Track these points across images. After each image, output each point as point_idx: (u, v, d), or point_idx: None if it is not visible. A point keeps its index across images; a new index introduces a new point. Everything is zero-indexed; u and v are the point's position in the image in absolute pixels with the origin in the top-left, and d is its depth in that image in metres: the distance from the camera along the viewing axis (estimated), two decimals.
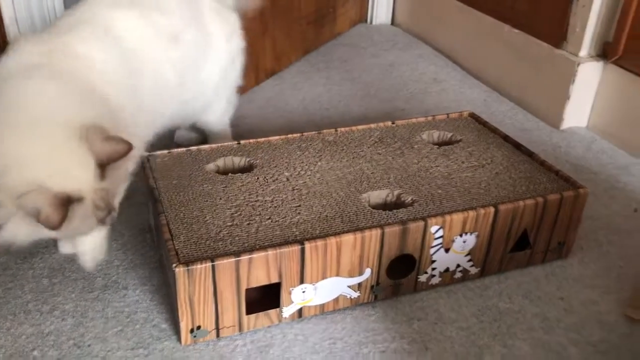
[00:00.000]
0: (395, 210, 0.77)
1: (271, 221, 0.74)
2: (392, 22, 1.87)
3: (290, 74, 1.50)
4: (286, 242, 0.70)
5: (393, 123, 1.01)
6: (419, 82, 1.48)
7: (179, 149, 0.89)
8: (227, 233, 0.72)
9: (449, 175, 0.86)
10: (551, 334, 0.76)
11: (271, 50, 1.43)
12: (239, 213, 0.76)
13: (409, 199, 0.80)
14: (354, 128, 0.98)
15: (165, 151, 0.89)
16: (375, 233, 0.72)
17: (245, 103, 1.33)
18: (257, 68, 1.39)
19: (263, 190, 0.80)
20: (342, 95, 1.39)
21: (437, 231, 0.76)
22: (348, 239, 0.71)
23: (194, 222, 0.74)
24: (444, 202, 0.80)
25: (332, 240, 0.70)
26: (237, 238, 0.71)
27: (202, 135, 1.12)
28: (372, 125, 0.99)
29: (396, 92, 1.42)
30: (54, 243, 0.87)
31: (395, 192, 0.82)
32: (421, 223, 0.74)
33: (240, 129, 1.21)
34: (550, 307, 0.80)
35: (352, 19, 1.81)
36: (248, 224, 0.74)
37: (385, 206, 0.82)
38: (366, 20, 1.86)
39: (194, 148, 0.90)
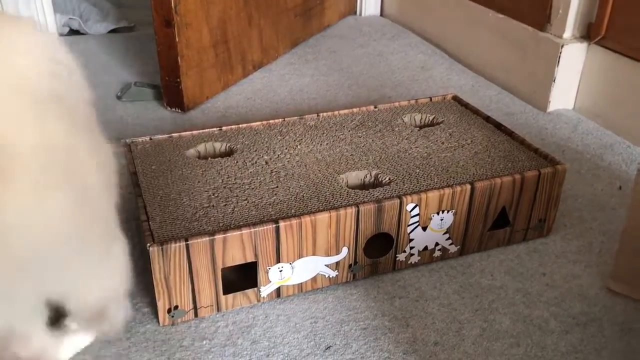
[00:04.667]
0: (372, 190, 0.78)
1: (247, 202, 0.75)
2: (381, 14, 1.87)
3: (278, 66, 1.50)
4: (261, 222, 0.70)
5: (375, 107, 1.01)
6: (407, 70, 1.48)
7: (161, 136, 0.90)
8: (203, 214, 0.72)
9: (428, 156, 0.86)
10: (532, 308, 0.76)
11: (258, 42, 1.44)
12: (216, 195, 0.76)
13: (387, 178, 0.81)
14: (335, 113, 0.99)
15: (147, 137, 0.90)
16: (350, 211, 0.72)
17: (232, 95, 1.34)
18: (244, 60, 1.40)
19: (242, 174, 0.81)
20: (330, 85, 1.40)
21: (413, 209, 0.76)
22: (323, 217, 0.71)
23: (171, 204, 0.74)
24: (421, 181, 0.80)
25: (307, 219, 0.71)
26: (212, 219, 0.71)
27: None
28: (354, 110, 1.00)
29: (384, 80, 1.42)
30: None
31: (373, 173, 0.82)
32: (396, 201, 0.75)
33: (226, 120, 1.22)
34: (532, 283, 0.80)
35: (341, 11, 1.82)
36: (224, 205, 0.74)
37: (363, 187, 0.82)
38: (355, 12, 1.87)
39: (175, 135, 0.91)
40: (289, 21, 1.55)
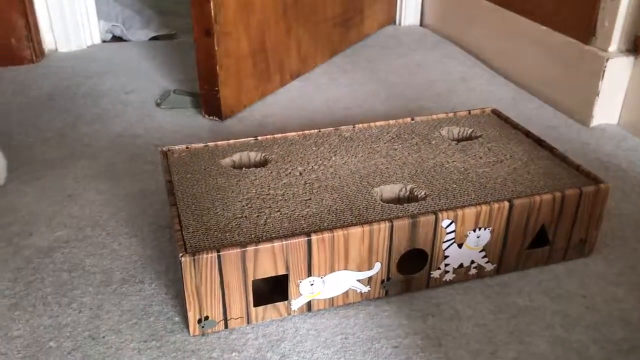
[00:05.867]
0: (406, 204, 0.76)
1: (280, 214, 0.74)
2: (421, 23, 1.85)
3: (315, 75, 1.50)
4: (293, 234, 0.70)
5: (412, 119, 1.00)
6: (446, 81, 1.46)
7: (197, 144, 0.91)
8: (236, 225, 0.72)
9: (465, 171, 0.85)
10: (571, 332, 0.74)
11: (296, 52, 1.44)
12: (249, 206, 0.76)
13: (422, 193, 0.79)
14: (372, 124, 0.98)
15: (184, 146, 0.90)
16: (384, 226, 0.71)
17: (269, 103, 1.34)
18: (282, 70, 1.41)
19: (275, 184, 0.81)
20: (367, 95, 1.39)
21: (448, 225, 0.75)
22: (356, 231, 0.70)
23: (204, 213, 0.74)
24: (458, 197, 0.78)
25: (340, 233, 0.70)
26: (245, 230, 0.71)
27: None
28: (391, 122, 0.99)
29: (422, 91, 1.41)
30: (75, 238, 0.90)
31: (409, 187, 0.81)
32: (432, 217, 0.73)
33: (263, 128, 1.22)
34: (572, 305, 0.78)
35: (380, 21, 1.81)
36: (257, 216, 0.74)
37: (398, 201, 0.81)
38: (395, 22, 1.86)
39: (211, 144, 0.91)
40: (327, 31, 1.55)
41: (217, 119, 1.26)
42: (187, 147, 0.90)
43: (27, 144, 1.18)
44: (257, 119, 1.28)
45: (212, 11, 1.15)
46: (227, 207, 0.76)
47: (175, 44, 1.76)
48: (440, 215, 0.73)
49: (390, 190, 0.81)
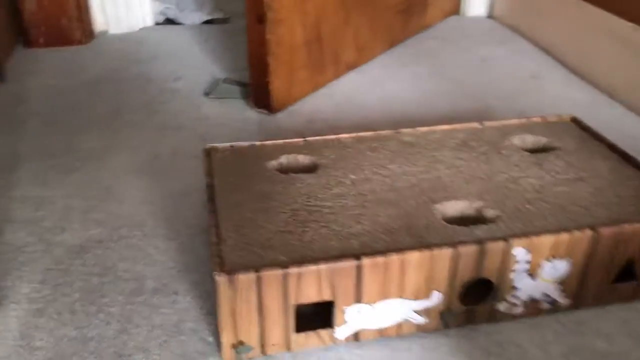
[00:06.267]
0: (473, 226, 0.67)
1: (328, 230, 0.66)
2: (488, 15, 1.73)
3: (372, 67, 1.40)
4: (342, 256, 0.61)
5: (481, 124, 0.90)
6: (515, 79, 1.34)
7: (242, 143, 0.83)
8: (279, 240, 0.64)
9: (542, 189, 0.74)
10: None
11: (353, 41, 1.34)
12: (294, 218, 0.68)
13: (491, 213, 0.70)
14: (436, 128, 0.88)
15: (228, 144, 0.83)
16: (447, 252, 0.62)
17: (322, 97, 1.26)
18: (337, 61, 1.32)
19: (324, 194, 0.72)
20: (428, 92, 1.29)
21: (521, 254, 0.65)
22: (413, 257, 0.62)
23: (245, 225, 0.67)
24: (533, 221, 0.68)
25: (395, 257, 0.61)
26: (288, 247, 0.63)
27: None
28: (457, 126, 0.89)
29: (488, 89, 1.29)
30: (108, 238, 0.84)
31: (475, 205, 0.71)
32: (502, 244, 0.64)
33: (313, 125, 1.14)
34: None
35: (445, 10, 1.69)
36: (302, 231, 0.66)
37: (462, 220, 0.71)
38: (460, 12, 1.74)
39: (257, 143, 0.84)
40: (388, 19, 1.44)
41: (266, 111, 1.18)
42: (231, 146, 0.83)
43: (69, 131, 1.13)
44: (308, 113, 1.19)
45: None
46: (270, 219, 0.68)
47: (228, 29, 1.69)
48: (512, 242, 0.64)
49: (454, 207, 0.72)
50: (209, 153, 0.81)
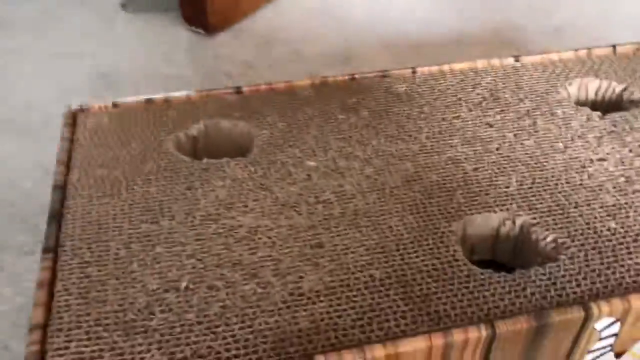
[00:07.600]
0: (519, 271, 0.37)
1: (232, 297, 0.36)
2: None
3: None
4: None
5: (516, 60, 0.57)
6: None
7: (132, 99, 0.51)
8: (136, 321, 0.34)
9: (630, 183, 0.44)
10: None
11: None
12: (193, 267, 0.38)
13: (549, 239, 0.39)
14: (444, 68, 0.56)
15: (109, 103, 0.51)
16: (475, 337, 0.33)
17: (283, 8, 0.92)
18: None
19: (256, 201, 0.42)
20: (430, 2, 0.94)
21: (607, 327, 0.36)
22: (406, 349, 0.32)
23: (103, 281, 0.36)
24: (624, 255, 0.38)
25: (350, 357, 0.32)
26: (158, 331, 0.33)
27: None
28: (478, 64, 0.57)
29: None
30: None
31: (520, 221, 0.41)
32: (580, 313, 0.34)
33: (268, 51, 0.81)
34: None
35: None
36: (169, 309, 0.36)
37: (496, 244, 0.41)
38: None
39: (158, 98, 0.52)
40: None
41: (202, 30, 0.84)
42: (114, 106, 0.51)
43: None
44: (262, 35, 0.86)
45: None
46: (152, 266, 0.38)
47: None
48: (594, 309, 0.34)
49: (483, 224, 0.41)
50: (73, 118, 0.49)
